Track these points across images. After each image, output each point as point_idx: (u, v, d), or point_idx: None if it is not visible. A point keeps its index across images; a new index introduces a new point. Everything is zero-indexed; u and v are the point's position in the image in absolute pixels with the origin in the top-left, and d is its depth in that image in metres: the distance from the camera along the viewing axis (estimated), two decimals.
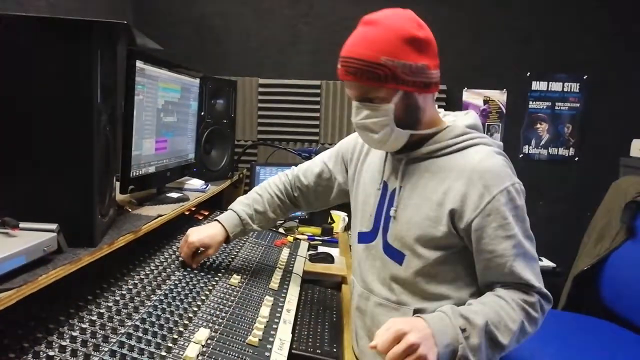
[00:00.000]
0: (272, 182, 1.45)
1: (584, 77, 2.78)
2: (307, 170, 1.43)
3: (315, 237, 2.31)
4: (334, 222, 2.60)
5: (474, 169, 1.04)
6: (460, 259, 1.09)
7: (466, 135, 1.11)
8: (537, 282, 1.04)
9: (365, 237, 1.23)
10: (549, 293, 1.07)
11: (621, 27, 2.71)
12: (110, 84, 1.02)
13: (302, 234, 2.29)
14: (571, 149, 2.84)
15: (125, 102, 1.23)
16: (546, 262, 2.54)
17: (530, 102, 2.83)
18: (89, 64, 0.88)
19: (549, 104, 2.82)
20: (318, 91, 2.74)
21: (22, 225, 0.83)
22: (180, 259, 1.31)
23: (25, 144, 0.89)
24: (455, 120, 1.16)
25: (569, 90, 2.81)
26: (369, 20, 1.05)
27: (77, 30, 0.87)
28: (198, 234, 1.28)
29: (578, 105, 2.81)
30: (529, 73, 2.79)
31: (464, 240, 1.07)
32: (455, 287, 1.10)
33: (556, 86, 2.81)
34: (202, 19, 2.78)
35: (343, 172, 1.38)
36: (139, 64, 1.25)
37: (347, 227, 2.68)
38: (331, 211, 2.65)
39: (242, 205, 1.39)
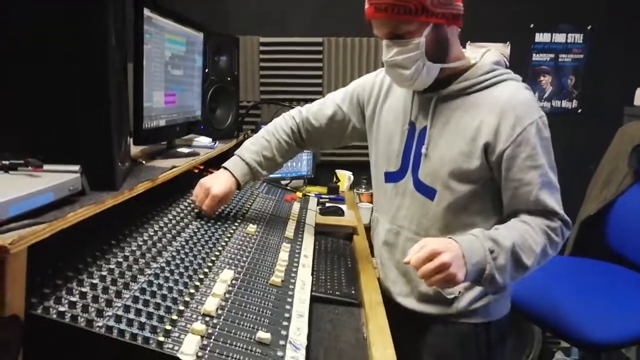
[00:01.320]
0: (279, 126, 1.44)
1: (588, 27, 2.75)
2: (318, 112, 1.42)
3: (322, 196, 2.32)
4: (339, 181, 2.62)
5: (507, 102, 1.10)
6: (488, 190, 1.17)
7: (495, 71, 1.15)
8: (559, 209, 1.12)
9: (393, 177, 1.28)
10: (569, 220, 1.15)
11: None
12: (121, 29, 1.00)
13: (309, 193, 2.30)
14: (574, 100, 2.83)
15: (135, 51, 1.21)
16: None
17: (534, 55, 2.79)
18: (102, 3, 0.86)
19: (552, 56, 2.79)
20: (320, 48, 2.70)
21: (45, 167, 0.83)
22: (196, 210, 1.31)
23: (42, 88, 0.88)
24: (477, 57, 1.18)
25: (572, 41, 2.77)
26: None
27: None
28: (219, 186, 1.28)
29: (582, 56, 2.78)
30: (532, 25, 2.76)
31: (494, 172, 1.14)
32: (481, 218, 1.18)
33: (560, 37, 2.78)
34: None
35: (358, 114, 1.38)
36: (146, 12, 1.23)
37: (353, 186, 2.70)
38: (337, 170, 2.67)
39: (250, 152, 1.38)
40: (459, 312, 1.22)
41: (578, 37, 2.77)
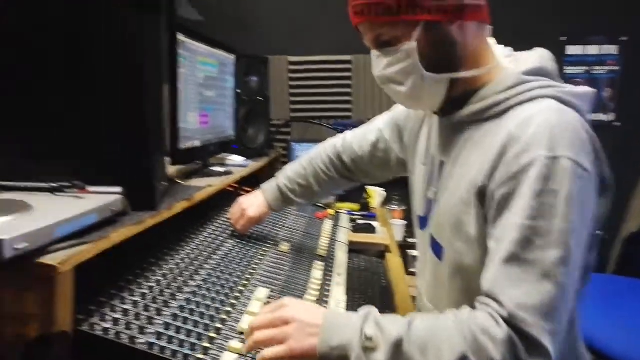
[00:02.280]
0: (319, 155, 1.30)
1: (622, 39, 2.68)
2: (363, 139, 1.24)
3: (354, 212, 2.31)
4: (369, 197, 2.60)
5: (519, 126, 0.75)
6: None
7: (522, 86, 0.80)
8: (521, 311, 0.68)
9: (422, 222, 1.02)
10: (539, 339, 0.67)
11: None
12: (157, 54, 1.03)
13: (340, 209, 2.29)
14: (611, 113, 2.76)
15: (170, 74, 1.25)
16: None
17: (565, 67, 2.75)
18: (141, 27, 0.90)
19: (586, 68, 2.74)
20: (349, 66, 2.72)
21: (88, 188, 0.86)
22: (231, 229, 1.33)
23: (84, 115, 0.91)
24: (511, 63, 0.88)
25: (606, 53, 2.72)
26: None
27: None
28: (255, 209, 1.30)
29: (617, 68, 2.72)
30: (563, 37, 2.71)
31: None
32: None
33: (592, 49, 2.72)
34: None
35: (399, 141, 1.16)
36: (180, 37, 1.27)
37: (385, 202, 2.68)
38: (366, 186, 2.65)
39: (285, 178, 1.32)
40: None
41: (612, 49, 2.71)
